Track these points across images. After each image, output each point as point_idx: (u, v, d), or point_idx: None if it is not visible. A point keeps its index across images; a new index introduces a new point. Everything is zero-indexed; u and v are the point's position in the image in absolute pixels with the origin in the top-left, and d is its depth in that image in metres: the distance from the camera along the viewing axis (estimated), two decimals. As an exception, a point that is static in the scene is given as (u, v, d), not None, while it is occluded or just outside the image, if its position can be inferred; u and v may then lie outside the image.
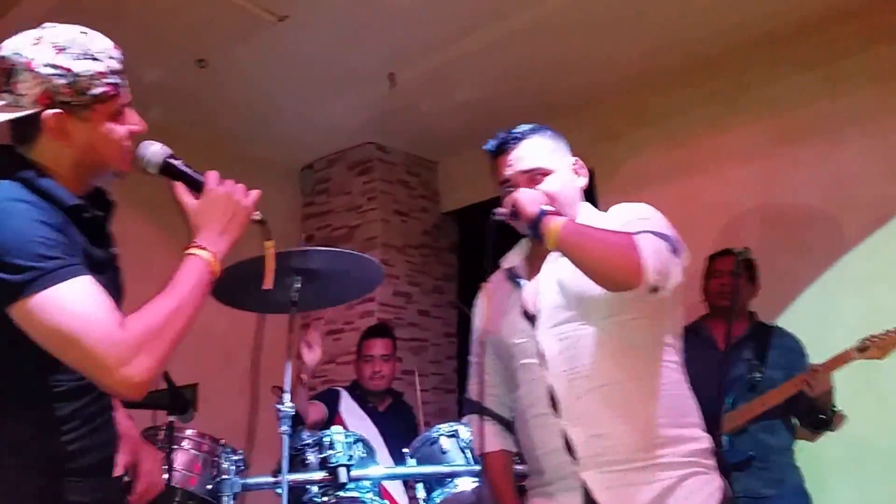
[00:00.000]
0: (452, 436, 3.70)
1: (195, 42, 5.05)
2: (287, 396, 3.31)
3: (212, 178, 1.99)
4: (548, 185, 2.45)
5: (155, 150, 2.01)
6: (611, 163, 5.78)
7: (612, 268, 2.20)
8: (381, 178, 6.57)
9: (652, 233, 2.24)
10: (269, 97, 5.74)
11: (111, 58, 1.91)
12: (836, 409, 3.89)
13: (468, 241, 7.00)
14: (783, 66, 5.28)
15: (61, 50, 1.85)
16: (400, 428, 4.64)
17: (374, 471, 3.57)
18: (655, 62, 5.52)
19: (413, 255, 6.67)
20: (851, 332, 3.90)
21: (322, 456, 3.47)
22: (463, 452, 3.66)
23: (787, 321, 4.51)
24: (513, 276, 2.56)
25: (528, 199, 2.34)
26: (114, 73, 1.91)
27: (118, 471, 2.10)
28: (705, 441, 2.36)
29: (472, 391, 2.71)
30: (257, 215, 2.03)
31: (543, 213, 2.29)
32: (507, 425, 2.64)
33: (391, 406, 4.83)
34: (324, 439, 3.52)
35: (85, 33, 1.90)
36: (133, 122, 1.98)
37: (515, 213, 2.35)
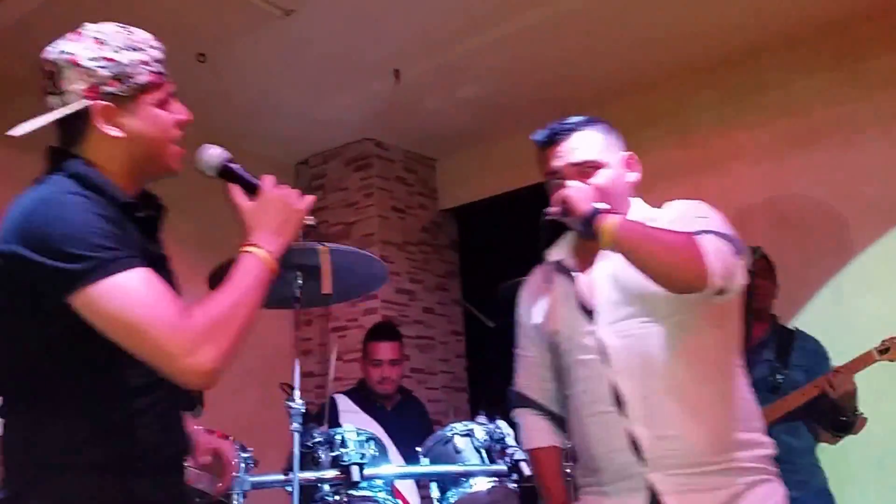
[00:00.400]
0: (467, 435, 3.66)
1: (196, 36, 4.94)
2: (297, 393, 3.26)
3: (268, 181, 2.00)
4: (598, 178, 2.36)
5: (214, 153, 2.03)
6: (614, 161, 5.69)
7: (674, 269, 2.16)
8: (379, 174, 6.50)
9: (713, 233, 2.19)
10: (267, 92, 5.65)
11: (152, 47, 1.93)
12: (857, 412, 3.84)
13: (468, 238, 6.95)
14: (800, 68, 5.26)
15: (103, 43, 1.87)
16: (410, 425, 4.58)
17: (386, 469, 3.52)
18: (667, 60, 5.48)
19: (413, 252, 6.60)
20: (867, 333, 3.86)
21: (334, 454, 3.42)
22: (478, 452, 3.61)
23: (801, 323, 4.46)
24: (562, 269, 2.49)
25: (578, 196, 2.25)
26: (157, 61, 1.93)
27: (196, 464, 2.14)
28: (770, 447, 2.33)
29: (521, 385, 2.66)
30: (311, 220, 2.03)
31: (597, 211, 2.21)
32: (557, 420, 2.58)
33: (400, 403, 4.77)
34: (335, 437, 3.46)
35: (124, 27, 1.92)
36: (179, 111, 1.99)
37: (566, 211, 2.26)
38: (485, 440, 3.63)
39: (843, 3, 4.89)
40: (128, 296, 1.70)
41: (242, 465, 3.27)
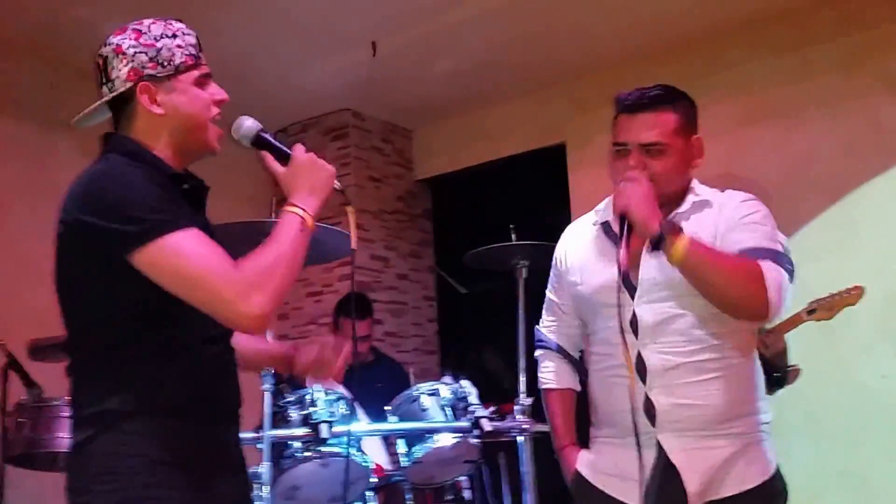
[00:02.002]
0: (433, 394, 3.81)
1: (171, 1, 4.98)
2: None
3: (299, 148, 2.15)
4: (659, 165, 2.43)
5: (249, 125, 2.18)
6: (584, 136, 5.90)
7: (738, 300, 2.33)
8: (356, 144, 6.63)
9: (773, 260, 2.34)
10: (245, 61, 5.65)
11: (185, 34, 2.12)
12: (790, 366, 4.04)
13: (441, 208, 7.10)
14: (758, 49, 5.49)
15: (142, 33, 2.07)
16: (378, 384, 4.70)
17: (354, 427, 3.67)
18: (634, 39, 5.64)
19: (388, 221, 6.75)
20: (808, 298, 4.06)
21: (304, 413, 3.54)
22: (443, 410, 3.76)
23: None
24: (607, 231, 2.58)
25: (643, 213, 2.33)
26: (191, 45, 2.11)
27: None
28: (769, 413, 2.51)
29: (547, 327, 2.80)
30: (337, 184, 2.16)
31: (665, 232, 2.30)
32: (576, 365, 2.75)
33: (369, 364, 4.90)
34: (305, 397, 3.58)
35: (162, 19, 2.11)
36: (215, 91, 2.15)
37: (631, 222, 2.37)
38: (449, 399, 3.79)
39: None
40: (183, 251, 1.87)
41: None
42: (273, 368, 3.32)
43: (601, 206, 2.66)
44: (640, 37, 5.61)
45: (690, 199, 2.51)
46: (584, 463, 2.63)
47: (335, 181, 2.15)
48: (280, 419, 3.54)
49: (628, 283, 2.46)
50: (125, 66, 2.05)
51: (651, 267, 2.44)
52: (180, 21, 2.13)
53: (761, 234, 2.41)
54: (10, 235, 5.00)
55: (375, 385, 4.73)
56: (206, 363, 2.05)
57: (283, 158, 2.14)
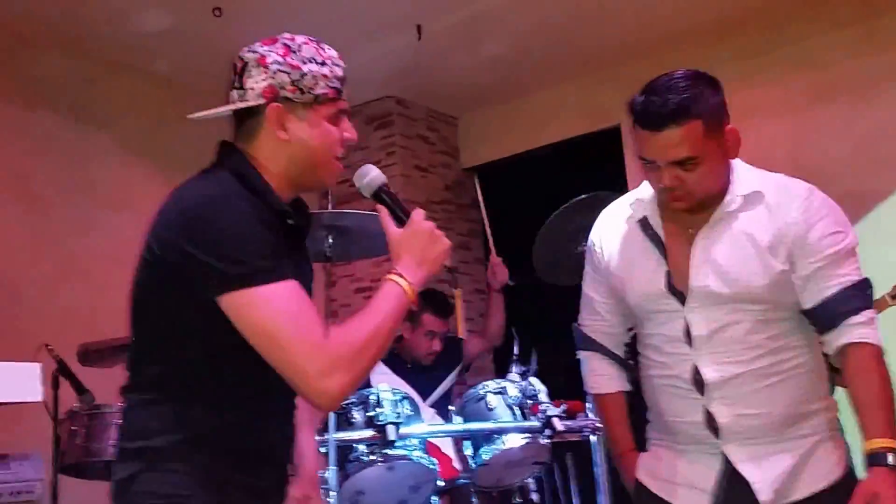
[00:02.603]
0: (499, 392, 3.69)
1: None
2: None
3: (418, 213, 2.03)
4: (694, 176, 2.22)
5: (375, 175, 2.07)
6: (640, 119, 5.70)
7: None
8: (401, 132, 6.50)
9: (863, 302, 2.26)
10: None
11: (336, 65, 1.99)
12: None
13: (489, 197, 6.91)
14: (819, 23, 5.31)
15: (291, 51, 1.95)
16: (441, 377, 4.64)
17: (421, 428, 3.57)
18: (689, 17, 5.46)
19: (436, 212, 6.60)
20: (883, 281, 3.86)
21: (369, 414, 3.45)
22: (510, 409, 3.64)
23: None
24: (646, 229, 2.40)
25: None
26: (337, 78, 1.98)
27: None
28: (834, 408, 2.36)
29: (586, 326, 2.63)
30: (449, 262, 2.05)
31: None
32: (623, 364, 2.59)
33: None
34: (370, 397, 3.49)
35: (317, 42, 2.00)
36: (347, 129, 2.04)
37: None
38: (517, 397, 3.67)
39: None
40: (275, 308, 1.75)
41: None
42: None
43: (633, 197, 2.45)
44: (696, 13, 5.43)
45: (737, 192, 2.30)
46: (644, 470, 2.48)
47: (447, 258, 2.03)
48: (343, 421, 3.46)
49: (675, 290, 2.31)
50: (263, 80, 1.93)
51: (701, 274, 2.28)
52: (332, 49, 2.00)
53: (843, 264, 2.26)
54: (49, 234, 4.90)
55: (437, 379, 4.64)
56: (269, 416, 1.97)
57: (399, 220, 2.03)
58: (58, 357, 3.75)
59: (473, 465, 3.61)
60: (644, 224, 2.40)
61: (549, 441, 3.60)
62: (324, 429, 3.28)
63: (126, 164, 5.41)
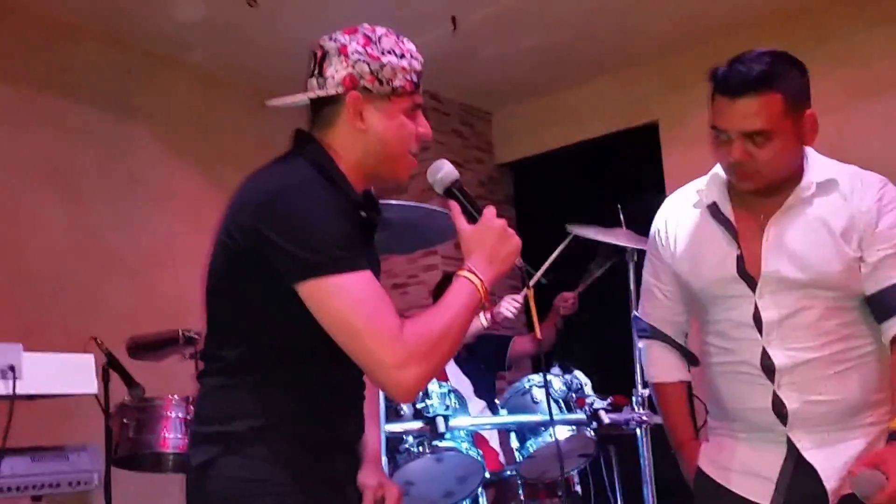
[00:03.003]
0: (544, 386, 3.70)
1: None
2: None
3: (490, 210, 2.03)
4: (765, 153, 2.19)
5: (448, 171, 2.08)
6: (679, 114, 5.73)
7: None
8: (435, 128, 6.32)
9: None
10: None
11: (414, 59, 2.00)
12: None
13: (524, 194, 6.94)
14: (863, 20, 5.28)
15: (372, 42, 1.96)
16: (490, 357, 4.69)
17: (469, 421, 3.58)
18: (729, 12, 5.44)
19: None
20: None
21: (417, 406, 3.47)
22: (556, 402, 3.66)
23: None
24: (716, 214, 2.38)
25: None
26: (415, 72, 2.00)
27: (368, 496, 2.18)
28: None
29: (648, 315, 2.61)
30: (519, 261, 2.04)
31: None
32: (684, 353, 2.58)
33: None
34: None
35: (397, 34, 2.01)
36: (423, 125, 2.04)
37: None
38: (562, 391, 3.69)
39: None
40: (353, 297, 1.77)
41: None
42: None
43: (702, 183, 2.44)
44: (737, 8, 5.41)
45: (812, 178, 2.29)
46: (705, 459, 2.47)
47: (518, 257, 2.02)
48: (392, 413, 3.47)
49: (746, 274, 2.29)
50: (343, 69, 1.94)
51: (774, 259, 2.26)
52: (411, 42, 2.01)
53: None
54: (91, 228, 4.94)
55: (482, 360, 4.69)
56: (342, 405, 2.00)
57: (471, 217, 2.03)
58: (107, 350, 3.80)
59: (520, 458, 3.63)
60: (713, 209, 2.38)
61: (594, 433, 3.62)
62: (372, 420, 3.31)
63: (166, 158, 5.44)
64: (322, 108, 1.99)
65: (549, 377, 3.76)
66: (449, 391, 3.56)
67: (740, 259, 2.30)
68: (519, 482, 3.80)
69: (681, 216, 2.47)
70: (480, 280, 1.91)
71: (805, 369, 2.23)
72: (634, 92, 6.16)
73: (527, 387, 3.72)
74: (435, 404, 3.45)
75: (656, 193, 5.34)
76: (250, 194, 1.89)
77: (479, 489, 3.71)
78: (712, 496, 2.41)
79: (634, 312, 2.70)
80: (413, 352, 1.77)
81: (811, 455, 2.24)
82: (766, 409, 2.26)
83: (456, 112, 6.72)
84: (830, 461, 2.23)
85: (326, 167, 1.94)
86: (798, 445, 2.25)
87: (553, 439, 3.57)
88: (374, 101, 1.95)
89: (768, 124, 2.16)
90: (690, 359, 2.59)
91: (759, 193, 2.29)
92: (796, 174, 2.29)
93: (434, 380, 3.57)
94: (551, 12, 5.42)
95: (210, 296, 1.96)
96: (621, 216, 3.97)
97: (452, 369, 4.48)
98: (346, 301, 1.77)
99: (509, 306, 4.45)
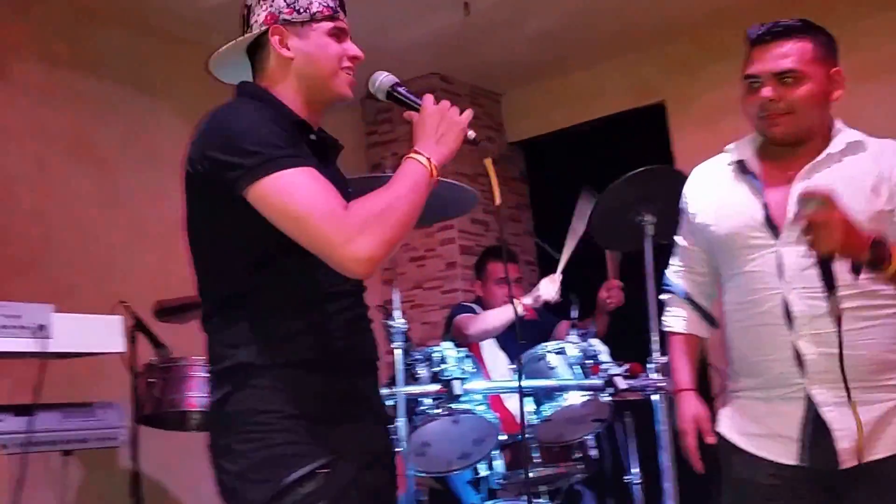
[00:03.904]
0: (560, 353, 3.80)
1: None
2: (398, 313, 3.50)
3: (427, 98, 2.12)
4: (796, 92, 2.30)
5: (384, 79, 2.18)
6: (687, 95, 5.83)
7: None
8: (447, 108, 6.53)
9: None
10: None
11: None
12: None
13: (536, 172, 7.01)
14: (868, 5, 5.35)
15: None
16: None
17: (483, 384, 3.67)
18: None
19: (485, 184, 6.63)
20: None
21: (434, 370, 3.56)
22: (571, 368, 3.75)
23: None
24: (744, 171, 2.46)
25: (852, 251, 2.12)
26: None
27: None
28: None
29: (675, 273, 2.71)
30: (471, 135, 2.14)
31: (876, 249, 2.12)
32: (704, 315, 2.66)
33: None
34: (433, 355, 3.60)
35: None
36: (350, 48, 2.14)
37: (828, 254, 2.15)
38: (578, 357, 3.77)
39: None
40: (293, 188, 1.85)
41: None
42: None
43: (732, 146, 2.54)
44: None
45: (841, 138, 2.39)
46: (725, 423, 2.52)
47: (468, 131, 2.12)
48: (408, 376, 3.55)
49: (771, 222, 2.36)
50: (264, 10, 2.09)
51: None
52: None
53: None
54: (119, 199, 5.01)
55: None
56: (334, 317, 2.03)
57: (417, 110, 2.12)
58: (134, 313, 3.90)
59: (536, 420, 3.70)
60: (741, 166, 2.47)
61: (610, 399, 3.69)
62: (390, 382, 3.39)
63: (186, 134, 5.45)
64: (256, 57, 2.14)
65: (564, 345, 3.84)
66: (465, 356, 3.64)
67: (766, 207, 2.36)
68: (534, 445, 3.84)
69: (709, 175, 2.58)
70: (427, 158, 2.00)
71: (825, 321, 2.22)
72: (641, 73, 6.23)
73: (541, 353, 3.80)
74: (451, 368, 3.53)
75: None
76: (196, 132, 2.01)
77: (496, 451, 3.80)
78: (735, 461, 2.45)
79: (666, 270, 2.78)
80: (359, 223, 1.84)
81: (827, 413, 2.26)
82: (786, 360, 2.29)
83: (465, 94, 6.74)
84: (846, 420, 2.23)
85: (265, 96, 2.07)
86: (816, 401, 2.27)
87: (568, 404, 3.65)
88: (296, 29, 2.08)
89: (799, 64, 2.29)
90: (710, 320, 2.66)
91: (788, 143, 2.35)
92: (824, 133, 2.37)
93: (451, 345, 3.68)
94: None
95: (191, 242, 2.07)
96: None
97: (489, 345, 4.55)
98: (287, 195, 1.85)
99: (548, 290, 4.38)
